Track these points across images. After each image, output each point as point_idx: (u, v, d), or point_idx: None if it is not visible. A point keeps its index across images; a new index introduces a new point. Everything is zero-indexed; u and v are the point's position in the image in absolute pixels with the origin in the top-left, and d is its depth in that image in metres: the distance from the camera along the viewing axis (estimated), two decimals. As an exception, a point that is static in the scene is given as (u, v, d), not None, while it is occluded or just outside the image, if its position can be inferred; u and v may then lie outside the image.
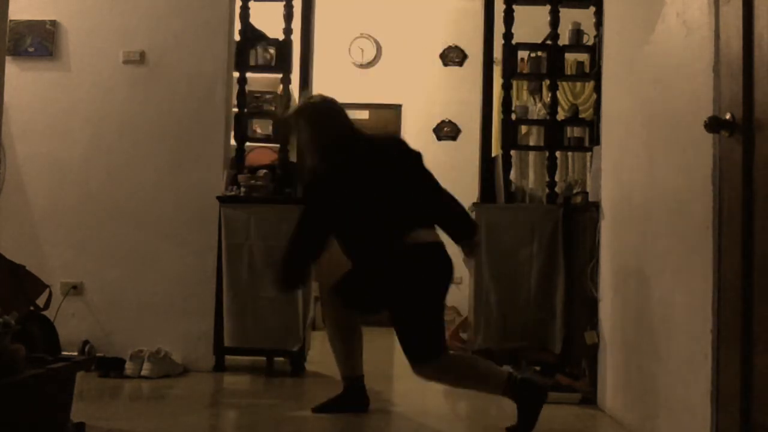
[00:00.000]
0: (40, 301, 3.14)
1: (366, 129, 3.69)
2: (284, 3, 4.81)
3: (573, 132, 4.92)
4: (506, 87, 4.79)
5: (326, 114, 3.48)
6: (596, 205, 4.00)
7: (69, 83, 4.81)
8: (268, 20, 4.84)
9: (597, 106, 4.40)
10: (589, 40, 4.73)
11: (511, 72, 4.79)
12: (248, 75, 4.86)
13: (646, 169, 3.21)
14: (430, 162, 3.50)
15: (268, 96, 4.92)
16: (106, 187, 4.76)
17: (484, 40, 4.85)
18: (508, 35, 4.74)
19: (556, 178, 4.76)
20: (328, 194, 3.35)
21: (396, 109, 7.96)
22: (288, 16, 4.81)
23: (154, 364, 4.32)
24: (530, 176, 6.23)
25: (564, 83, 5.78)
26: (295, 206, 4.59)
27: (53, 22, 4.82)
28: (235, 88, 4.80)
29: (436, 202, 3.44)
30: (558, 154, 4.82)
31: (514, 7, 4.75)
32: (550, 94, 4.86)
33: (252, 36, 4.84)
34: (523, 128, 5.40)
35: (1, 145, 4.45)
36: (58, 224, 4.76)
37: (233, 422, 3.70)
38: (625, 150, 3.58)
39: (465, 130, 7.50)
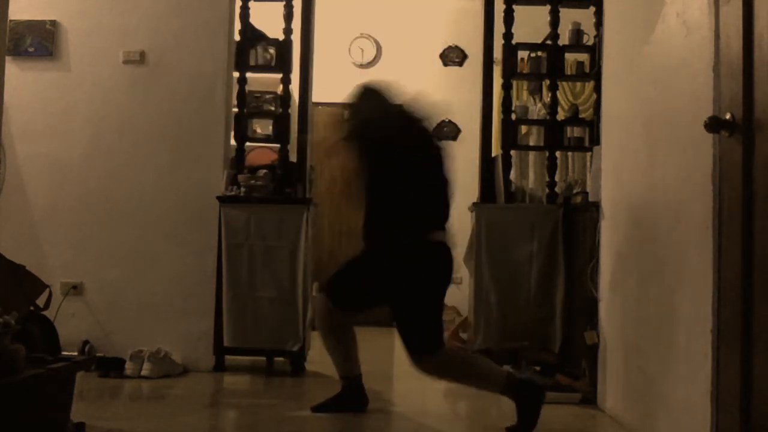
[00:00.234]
0: (40, 301, 3.14)
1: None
2: (284, 3, 4.81)
3: (573, 132, 4.93)
4: (506, 87, 4.80)
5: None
6: (596, 205, 4.00)
7: (69, 83, 4.80)
8: (268, 20, 4.84)
9: (597, 106, 4.41)
10: (589, 40, 4.74)
11: (511, 72, 4.80)
12: (248, 75, 4.86)
13: (646, 169, 3.21)
14: (429, 162, 3.50)
15: (268, 96, 4.92)
16: (106, 187, 4.76)
17: (484, 40, 4.86)
18: (508, 35, 4.75)
19: (556, 178, 4.77)
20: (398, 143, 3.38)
21: (396, 109, 7.95)
22: (288, 16, 4.82)
23: (154, 364, 4.32)
24: (530, 176, 6.23)
25: (564, 83, 5.78)
26: (295, 206, 4.63)
27: (53, 22, 4.82)
28: (235, 88, 4.80)
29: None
30: (558, 154, 4.83)
31: (514, 7, 4.76)
32: (550, 94, 4.87)
33: (252, 36, 4.84)
34: (523, 128, 5.41)
35: (1, 145, 4.45)
36: (58, 224, 4.76)
37: (233, 422, 3.71)
38: (625, 150, 3.58)
39: (465, 130, 7.48)
